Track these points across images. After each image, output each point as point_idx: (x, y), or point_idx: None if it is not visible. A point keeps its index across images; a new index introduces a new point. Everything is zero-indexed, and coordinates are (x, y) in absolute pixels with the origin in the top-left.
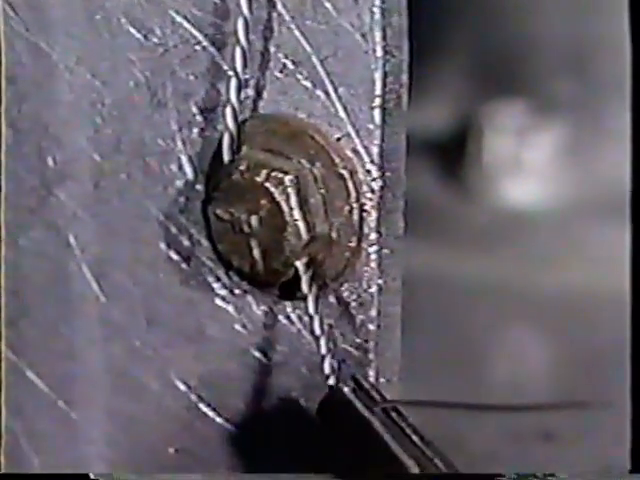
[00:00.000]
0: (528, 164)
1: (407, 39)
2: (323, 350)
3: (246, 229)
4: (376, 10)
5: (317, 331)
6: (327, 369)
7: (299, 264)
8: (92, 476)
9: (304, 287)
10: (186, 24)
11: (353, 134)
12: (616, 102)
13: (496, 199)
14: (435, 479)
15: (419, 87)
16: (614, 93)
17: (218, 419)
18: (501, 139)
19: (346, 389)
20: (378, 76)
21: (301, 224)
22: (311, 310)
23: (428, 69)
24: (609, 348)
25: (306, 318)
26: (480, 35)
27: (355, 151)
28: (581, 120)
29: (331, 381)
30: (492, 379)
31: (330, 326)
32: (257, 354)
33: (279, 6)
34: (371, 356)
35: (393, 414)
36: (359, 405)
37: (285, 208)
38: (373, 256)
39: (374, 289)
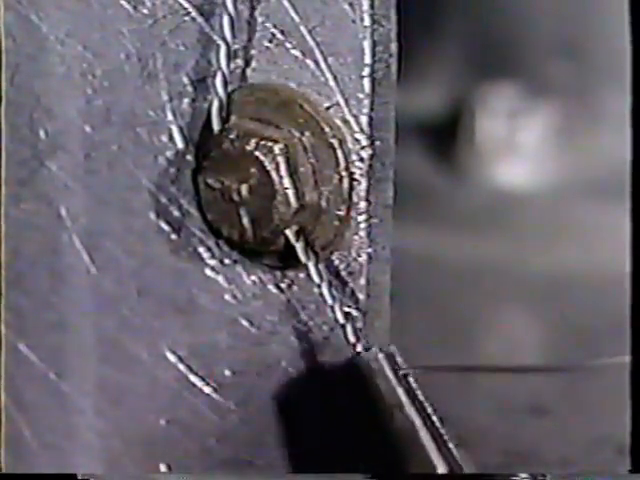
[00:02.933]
0: (520, 146)
1: (395, 8)
2: (341, 318)
3: (236, 198)
4: None
5: (329, 299)
6: (352, 337)
7: (288, 232)
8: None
9: (301, 256)
10: None
11: (342, 103)
12: (609, 84)
13: (488, 181)
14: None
15: (412, 69)
16: (607, 75)
17: (207, 389)
18: (494, 121)
19: (380, 355)
20: (367, 45)
21: (290, 192)
22: (316, 278)
23: (421, 51)
24: (604, 329)
25: (295, 287)
26: (474, 17)
27: (344, 120)
28: (574, 102)
29: (359, 348)
30: (483, 359)
31: (319, 295)
32: (246, 324)
33: None
34: (360, 325)
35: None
36: (389, 372)
37: (275, 177)
38: (362, 225)
39: (363, 258)
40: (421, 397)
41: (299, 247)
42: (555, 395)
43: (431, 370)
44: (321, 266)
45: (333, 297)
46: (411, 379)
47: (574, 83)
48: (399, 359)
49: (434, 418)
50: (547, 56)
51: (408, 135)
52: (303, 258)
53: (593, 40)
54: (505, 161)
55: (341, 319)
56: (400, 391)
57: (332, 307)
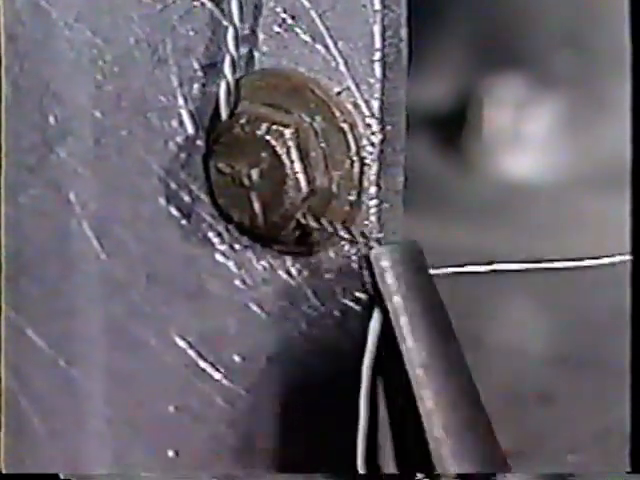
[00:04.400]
0: (527, 137)
1: None
2: None
3: (246, 182)
4: None
5: None
6: None
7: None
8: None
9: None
10: None
11: (353, 88)
12: (614, 75)
13: (495, 171)
14: None
15: (419, 60)
16: (613, 66)
17: (217, 375)
18: (500, 112)
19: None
20: (377, 30)
21: (301, 177)
22: None
23: (428, 42)
24: (609, 319)
25: (306, 273)
26: (480, 9)
27: (355, 105)
28: (580, 93)
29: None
30: (491, 349)
31: (330, 280)
32: (257, 309)
33: None
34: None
35: None
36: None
37: (286, 161)
38: (373, 210)
39: (374, 243)
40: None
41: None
42: (561, 384)
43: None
44: (330, 254)
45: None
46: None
47: (580, 74)
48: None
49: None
50: (553, 47)
51: (415, 127)
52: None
53: (598, 31)
54: (512, 152)
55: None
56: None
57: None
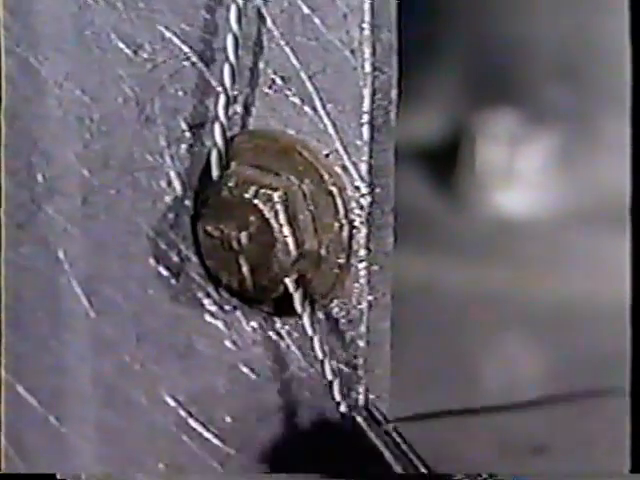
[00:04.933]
0: (521, 173)
1: (396, 55)
2: (329, 375)
3: (235, 246)
4: (365, 26)
5: (319, 354)
6: (337, 395)
7: (288, 281)
8: None
9: (297, 306)
10: (175, 39)
11: (341, 150)
12: (610, 111)
13: (489, 208)
14: None
15: (411, 95)
16: (609, 101)
17: (207, 434)
18: (494, 148)
19: (359, 419)
20: (367, 92)
21: (290, 240)
22: (309, 331)
23: (420, 77)
24: (607, 358)
25: (295, 334)
26: (473, 43)
27: (344, 167)
28: (575, 129)
29: (343, 408)
30: (486, 390)
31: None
32: (246, 370)
33: (268, 22)
34: (360, 373)
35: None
36: (373, 436)
37: (274, 225)
38: (362, 272)
39: (363, 305)
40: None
41: (297, 297)
42: (555, 433)
43: (416, 419)
44: (318, 315)
45: (324, 352)
46: (394, 434)
47: (575, 109)
48: (382, 412)
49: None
50: (547, 82)
51: (407, 161)
52: (299, 309)
53: (594, 65)
54: (505, 188)
55: (329, 376)
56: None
57: (322, 362)
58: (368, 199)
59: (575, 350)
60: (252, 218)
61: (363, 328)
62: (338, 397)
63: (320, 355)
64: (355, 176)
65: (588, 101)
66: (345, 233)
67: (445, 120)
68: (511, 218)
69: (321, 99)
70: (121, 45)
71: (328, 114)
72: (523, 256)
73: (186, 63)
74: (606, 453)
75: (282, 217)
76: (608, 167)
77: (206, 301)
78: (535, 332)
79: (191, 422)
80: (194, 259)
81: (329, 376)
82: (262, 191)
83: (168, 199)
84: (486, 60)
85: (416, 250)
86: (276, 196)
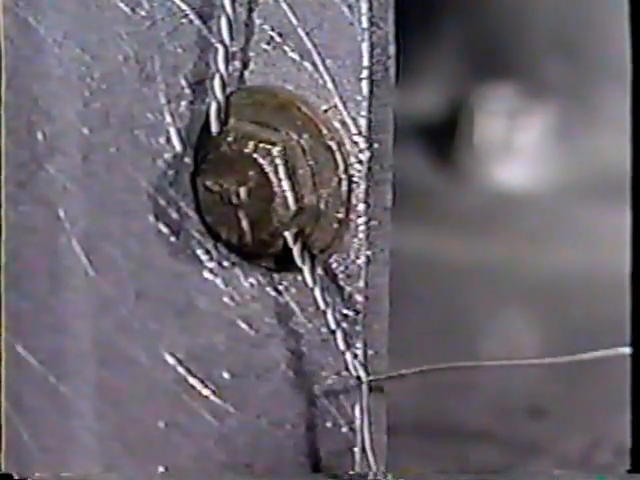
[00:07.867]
0: (519, 146)
1: (393, 10)
2: (332, 324)
3: (234, 200)
4: None
5: (321, 304)
6: (341, 344)
7: (287, 235)
8: None
9: (297, 259)
10: None
11: (341, 106)
12: (607, 84)
13: (487, 181)
14: None
15: (410, 69)
16: (607, 75)
17: (205, 392)
18: (492, 121)
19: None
20: (365, 47)
21: (289, 195)
22: (309, 282)
23: (419, 52)
24: (605, 329)
25: (294, 290)
26: (471, 17)
27: (343, 122)
28: (572, 102)
29: (348, 355)
30: (483, 359)
31: (314, 299)
32: (245, 326)
33: None
34: (359, 328)
35: None
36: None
37: (273, 179)
38: (361, 227)
39: (362, 260)
40: None
41: (296, 250)
42: (553, 396)
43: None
44: (317, 270)
45: (326, 302)
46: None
47: (572, 83)
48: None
49: None
50: (545, 56)
51: (406, 136)
52: (299, 261)
53: (591, 39)
54: (504, 162)
55: (332, 325)
56: None
57: (324, 312)
58: (367, 154)
59: (574, 322)
60: (251, 173)
61: (362, 283)
62: (342, 346)
63: (322, 305)
64: (354, 131)
65: (586, 74)
66: (344, 188)
67: (444, 94)
68: (510, 191)
69: (319, 54)
70: (119, 3)
71: (327, 69)
72: (522, 229)
73: (184, 20)
74: (605, 418)
75: (281, 171)
76: (607, 140)
77: (205, 258)
78: (534, 304)
79: (190, 379)
80: (193, 216)
81: (332, 325)
82: (261, 146)
83: (168, 156)
84: (485, 34)
85: (415, 223)
86: (275, 151)
